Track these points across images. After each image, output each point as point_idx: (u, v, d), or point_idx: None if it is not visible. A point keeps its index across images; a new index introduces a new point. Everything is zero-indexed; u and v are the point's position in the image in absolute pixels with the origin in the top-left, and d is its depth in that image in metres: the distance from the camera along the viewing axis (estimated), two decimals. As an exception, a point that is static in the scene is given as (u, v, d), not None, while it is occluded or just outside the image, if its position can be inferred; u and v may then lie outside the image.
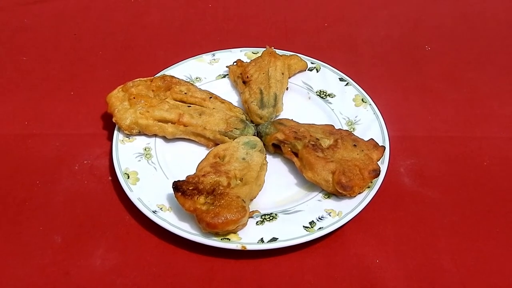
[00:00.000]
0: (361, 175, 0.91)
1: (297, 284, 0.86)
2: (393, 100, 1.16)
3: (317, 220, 0.89)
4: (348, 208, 0.90)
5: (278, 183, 0.98)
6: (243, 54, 1.21)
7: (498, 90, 1.20)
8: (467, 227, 0.94)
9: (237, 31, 1.35)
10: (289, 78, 1.15)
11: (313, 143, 0.96)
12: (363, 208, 0.91)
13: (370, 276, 0.87)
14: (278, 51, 1.17)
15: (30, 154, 1.04)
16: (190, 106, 1.04)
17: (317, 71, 1.17)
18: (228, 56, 1.20)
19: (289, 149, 0.98)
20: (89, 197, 0.97)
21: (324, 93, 1.13)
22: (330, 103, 1.11)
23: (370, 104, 1.08)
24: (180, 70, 1.16)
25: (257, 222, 0.90)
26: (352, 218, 0.90)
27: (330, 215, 0.90)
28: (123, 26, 1.36)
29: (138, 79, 1.08)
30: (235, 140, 0.99)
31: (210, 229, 0.84)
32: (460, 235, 0.93)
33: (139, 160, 0.99)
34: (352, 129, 1.05)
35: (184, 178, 0.89)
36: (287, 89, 1.13)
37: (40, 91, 1.17)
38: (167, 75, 1.09)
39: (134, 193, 0.92)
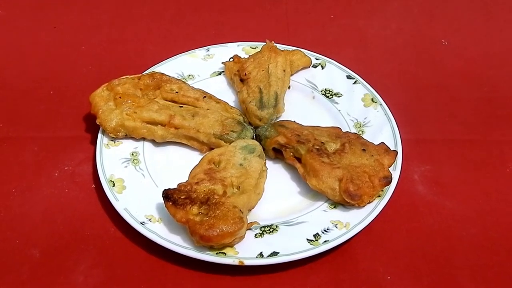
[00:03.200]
0: (371, 182, 0.91)
1: (300, 303, 0.86)
2: (406, 100, 1.17)
3: (322, 232, 0.89)
4: (356, 219, 0.91)
5: (279, 191, 0.98)
6: (241, 49, 1.21)
7: (521, 89, 1.21)
8: (488, 240, 0.94)
9: (234, 24, 1.35)
10: (291, 75, 1.15)
11: (317, 147, 0.96)
12: (373, 219, 0.91)
13: (380, 294, 0.87)
14: (279, 46, 1.17)
15: (5, 159, 1.04)
16: (182, 107, 1.05)
17: (322, 68, 1.18)
18: (224, 51, 1.20)
19: (291, 154, 0.98)
20: (70, 207, 0.97)
21: (330, 92, 1.13)
22: (337, 103, 1.11)
23: (380, 104, 1.09)
24: (171, 67, 1.16)
25: (256, 234, 0.90)
26: (361, 230, 0.90)
27: (336, 227, 0.90)
28: (108, 18, 1.36)
29: (124, 77, 1.08)
30: (232, 144, 0.99)
31: (204, 242, 0.84)
32: (480, 249, 0.93)
33: (126, 166, 0.99)
34: (361, 132, 1.05)
35: (175, 186, 0.90)
36: (289, 87, 1.13)
37: (16, 89, 1.18)
38: (157, 72, 1.10)
39: (120, 203, 0.92)
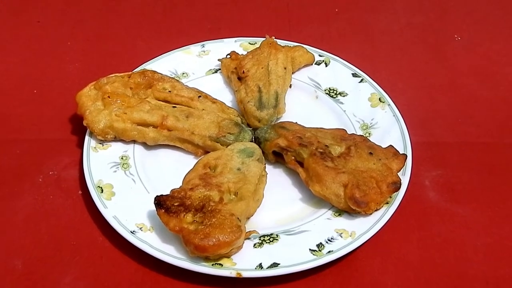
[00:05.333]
0: (378, 188, 0.92)
1: (303, 318, 0.87)
2: (416, 100, 1.17)
3: (326, 242, 0.90)
4: (363, 228, 0.91)
5: (279, 198, 0.98)
6: (238, 45, 1.22)
7: (541, 88, 1.21)
8: (504, 250, 0.94)
9: (231, 18, 1.36)
10: (292, 73, 1.16)
11: (321, 150, 0.96)
12: (381, 228, 0.91)
13: (389, 308, 0.88)
14: (280, 42, 1.18)
15: (-15, 163, 1.05)
16: (175, 107, 1.05)
17: (326, 65, 1.18)
18: (221, 48, 1.21)
19: (293, 157, 0.99)
20: (55, 215, 0.97)
21: (334, 92, 1.14)
22: (342, 103, 1.12)
23: (388, 105, 1.09)
24: (164, 64, 1.17)
25: (254, 244, 0.90)
26: (368, 240, 0.90)
27: (341, 236, 0.90)
28: (95, 11, 1.37)
29: (113, 75, 1.08)
30: (229, 147, 1.00)
31: (199, 253, 0.85)
32: (496, 260, 0.93)
33: (115, 171, 1.00)
34: (367, 134, 1.06)
35: (168, 192, 0.90)
36: (290, 86, 1.14)
37: (-4, 88, 1.18)
38: (148, 70, 1.10)
39: (109, 210, 0.93)
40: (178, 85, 1.09)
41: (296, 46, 1.18)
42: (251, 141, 1.03)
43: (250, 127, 1.06)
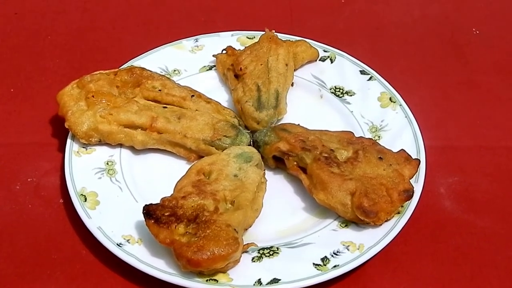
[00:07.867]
0: (388, 197, 0.92)
1: None
2: (431, 100, 1.18)
3: (332, 255, 0.90)
4: (371, 241, 0.91)
5: (280, 207, 0.99)
6: (235, 39, 1.22)
7: None
8: (526, 264, 0.95)
9: (227, 9, 1.36)
10: (295, 70, 1.16)
11: (326, 155, 0.97)
12: (392, 240, 0.91)
13: (400, 328, 0.88)
14: (281, 36, 1.18)
15: (-44, 169, 1.05)
16: (166, 107, 1.05)
17: (332, 62, 1.19)
18: (216, 42, 1.21)
19: (295, 163, 0.99)
20: (34, 226, 0.97)
21: (341, 90, 1.14)
22: (349, 103, 1.12)
23: (400, 105, 1.09)
24: (153, 60, 1.17)
25: (253, 258, 0.90)
26: (377, 253, 0.90)
27: (348, 249, 0.91)
28: (78, 2, 1.37)
29: (98, 72, 1.09)
30: (225, 151, 1.00)
31: (192, 267, 0.85)
32: (518, 275, 0.94)
33: (100, 178, 1.00)
34: (377, 137, 1.06)
35: (158, 201, 0.90)
36: (292, 85, 1.15)
37: (-31, 87, 1.19)
38: (136, 67, 1.11)
39: (93, 221, 0.93)
40: (169, 84, 1.09)
41: (299, 40, 1.18)
42: (249, 145, 1.03)
43: (248, 130, 1.07)
